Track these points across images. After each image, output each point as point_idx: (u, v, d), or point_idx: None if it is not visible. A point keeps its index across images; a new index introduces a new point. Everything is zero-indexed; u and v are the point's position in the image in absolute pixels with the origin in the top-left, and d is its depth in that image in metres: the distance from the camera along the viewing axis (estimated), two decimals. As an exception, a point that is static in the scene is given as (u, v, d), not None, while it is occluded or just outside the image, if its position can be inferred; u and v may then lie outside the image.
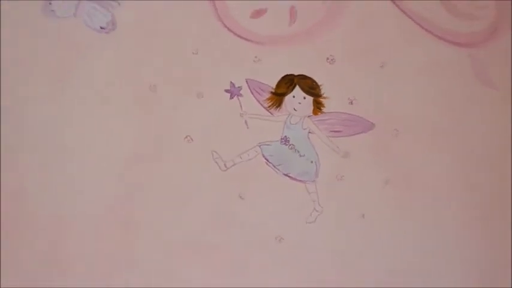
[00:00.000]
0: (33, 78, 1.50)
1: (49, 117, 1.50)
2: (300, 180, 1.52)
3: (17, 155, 1.49)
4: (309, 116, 1.54)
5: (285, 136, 1.53)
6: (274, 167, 1.52)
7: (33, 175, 1.49)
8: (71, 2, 1.50)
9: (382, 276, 1.52)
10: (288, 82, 1.54)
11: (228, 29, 1.55)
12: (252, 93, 1.54)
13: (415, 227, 1.54)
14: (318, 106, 1.54)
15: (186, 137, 1.51)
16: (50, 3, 1.50)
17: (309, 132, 1.54)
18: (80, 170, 1.49)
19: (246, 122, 1.53)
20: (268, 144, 1.53)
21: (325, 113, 1.55)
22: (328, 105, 1.55)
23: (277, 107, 1.54)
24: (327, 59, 1.55)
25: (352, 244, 1.53)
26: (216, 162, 1.51)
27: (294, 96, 1.54)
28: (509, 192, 1.54)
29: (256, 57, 1.54)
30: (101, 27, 1.51)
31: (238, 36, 1.55)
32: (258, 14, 1.56)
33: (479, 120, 1.58)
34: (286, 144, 1.53)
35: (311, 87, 1.54)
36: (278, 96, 1.54)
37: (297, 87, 1.54)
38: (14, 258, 1.47)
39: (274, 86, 1.54)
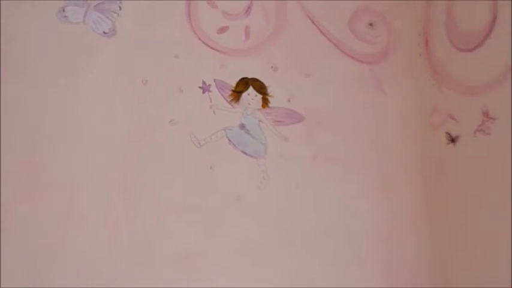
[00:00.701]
0: (48, 72, 1.70)
1: (63, 102, 1.71)
2: (253, 156, 1.85)
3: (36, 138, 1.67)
4: (259, 109, 1.89)
5: (242, 123, 1.87)
6: (235, 146, 1.84)
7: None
8: (80, 11, 1.75)
9: (313, 224, 1.87)
10: (244, 83, 1.89)
11: (201, 40, 1.88)
12: (219, 90, 1.86)
13: (334, 190, 1.92)
14: (265, 102, 1.91)
15: (171, 121, 1.79)
16: (64, 11, 1.73)
17: (259, 121, 1.88)
18: (88, 148, 1.71)
19: (214, 111, 1.85)
20: (230, 129, 1.85)
21: (270, 107, 1.91)
22: (273, 101, 1.91)
23: (236, 101, 1.88)
24: (272, 67, 1.93)
25: (288, 204, 1.87)
26: (193, 141, 1.80)
27: (248, 94, 1.89)
28: (394, 167, 2.02)
29: (221, 63, 1.88)
30: (104, 32, 1.76)
31: (208, 46, 1.88)
32: (222, 30, 1.91)
33: (375, 116, 2.01)
34: (243, 129, 1.87)
35: (261, 88, 1.91)
36: (237, 93, 1.88)
37: (251, 87, 1.89)
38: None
39: (234, 85, 1.88)
